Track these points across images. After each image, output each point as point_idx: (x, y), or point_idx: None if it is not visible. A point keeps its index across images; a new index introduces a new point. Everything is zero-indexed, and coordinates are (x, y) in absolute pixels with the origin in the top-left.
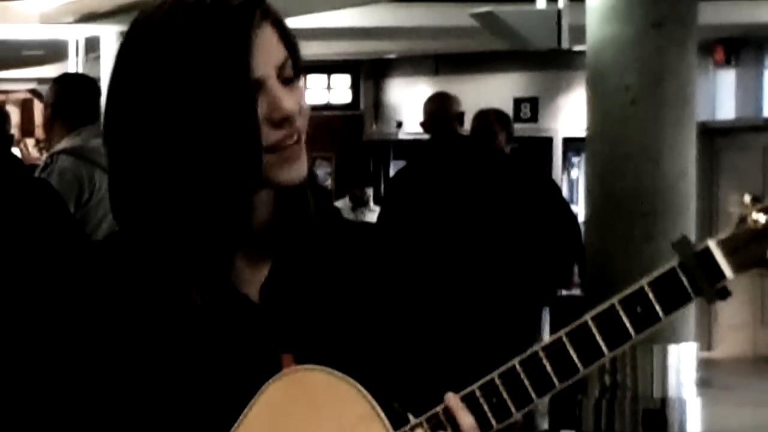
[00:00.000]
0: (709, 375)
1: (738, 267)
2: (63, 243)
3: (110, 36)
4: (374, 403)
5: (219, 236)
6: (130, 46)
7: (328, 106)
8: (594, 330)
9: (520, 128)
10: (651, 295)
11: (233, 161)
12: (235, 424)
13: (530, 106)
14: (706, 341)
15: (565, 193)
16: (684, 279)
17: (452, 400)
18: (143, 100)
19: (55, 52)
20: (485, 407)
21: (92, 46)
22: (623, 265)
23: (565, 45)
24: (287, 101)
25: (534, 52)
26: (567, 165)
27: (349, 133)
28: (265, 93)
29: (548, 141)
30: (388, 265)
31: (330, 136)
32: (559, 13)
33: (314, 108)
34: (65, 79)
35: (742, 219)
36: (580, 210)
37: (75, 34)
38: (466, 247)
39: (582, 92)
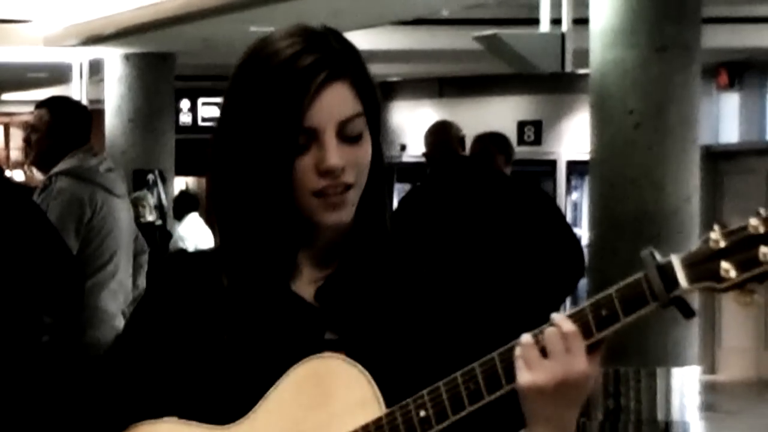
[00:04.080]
0: (712, 399)
1: (693, 279)
2: (43, 251)
3: (114, 59)
4: (376, 388)
5: (271, 251)
6: (231, 81)
7: None
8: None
9: (523, 151)
10: (616, 301)
11: (273, 196)
12: (260, 400)
13: (534, 129)
14: (709, 365)
15: (568, 216)
16: (644, 285)
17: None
18: (223, 131)
19: (58, 74)
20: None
21: (96, 68)
22: None
23: (568, 68)
24: (332, 156)
25: (538, 76)
26: (570, 188)
27: None
28: (318, 144)
29: (552, 164)
30: (442, 285)
31: None
32: (562, 36)
33: None
34: (55, 102)
35: (706, 240)
36: (583, 233)
37: (79, 57)
38: (472, 269)
39: (586, 115)
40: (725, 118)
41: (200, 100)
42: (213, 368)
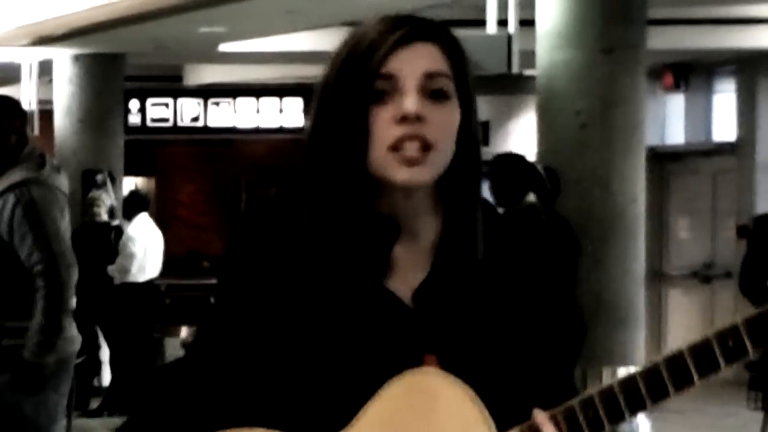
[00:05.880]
0: None
1: None
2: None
3: (63, 59)
4: (484, 409)
5: (351, 218)
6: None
7: (280, 130)
8: (688, 359)
9: None
10: (744, 331)
11: (349, 155)
12: (358, 414)
13: (482, 130)
14: None
15: None
16: None
17: (539, 415)
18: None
19: (8, 74)
20: (582, 420)
21: (45, 69)
22: None
23: (515, 70)
24: (410, 101)
25: (485, 77)
26: None
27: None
28: (397, 94)
29: None
30: (545, 291)
31: (282, 159)
32: (509, 38)
33: (266, 131)
34: None
35: None
36: None
37: (28, 58)
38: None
39: (533, 116)
40: (671, 119)
41: (149, 101)
42: (304, 371)
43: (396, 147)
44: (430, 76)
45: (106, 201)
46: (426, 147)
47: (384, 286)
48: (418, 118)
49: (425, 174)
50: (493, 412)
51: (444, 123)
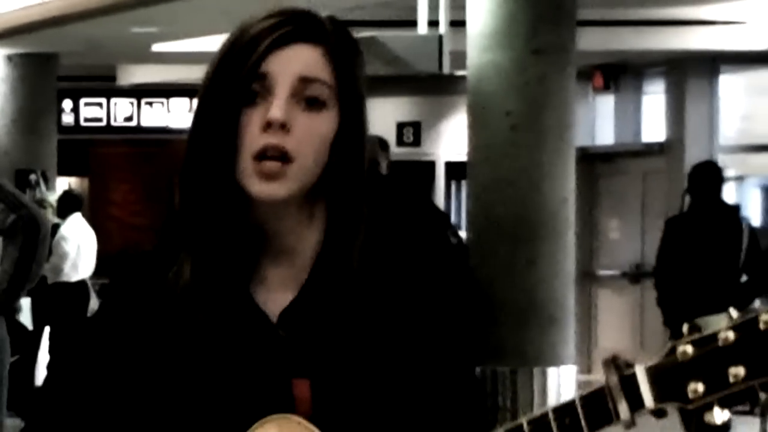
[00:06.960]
0: None
1: (659, 397)
2: None
3: None
4: None
5: (214, 231)
6: None
7: None
8: None
9: (402, 152)
10: (580, 411)
11: (216, 158)
12: None
13: (413, 131)
14: (585, 364)
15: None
16: (609, 401)
17: None
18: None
19: None
20: None
21: None
22: (505, 289)
23: (446, 70)
24: (275, 110)
25: (416, 77)
26: (450, 189)
27: None
28: (269, 97)
29: (431, 165)
30: (435, 316)
31: None
32: (440, 38)
33: None
34: None
35: (673, 348)
36: (462, 235)
37: None
38: None
39: (464, 116)
40: (601, 120)
41: (82, 101)
42: (164, 393)
43: (259, 157)
44: (305, 80)
45: (54, 203)
46: (286, 159)
47: (255, 305)
48: (282, 126)
49: (282, 189)
50: None
51: (311, 133)
